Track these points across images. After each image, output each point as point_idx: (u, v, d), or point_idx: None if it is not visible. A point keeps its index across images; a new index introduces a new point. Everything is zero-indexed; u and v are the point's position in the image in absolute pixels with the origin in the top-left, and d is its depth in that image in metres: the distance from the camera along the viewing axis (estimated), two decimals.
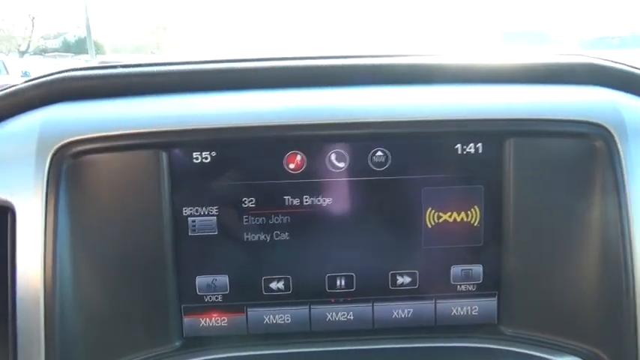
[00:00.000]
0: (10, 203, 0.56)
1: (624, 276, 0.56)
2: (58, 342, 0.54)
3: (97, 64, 0.69)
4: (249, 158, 0.60)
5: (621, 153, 0.57)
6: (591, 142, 0.58)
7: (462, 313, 0.63)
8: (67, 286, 0.56)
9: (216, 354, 0.61)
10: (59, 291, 0.55)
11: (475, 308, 0.63)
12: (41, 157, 0.56)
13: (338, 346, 0.62)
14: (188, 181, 0.60)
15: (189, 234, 0.61)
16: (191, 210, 0.60)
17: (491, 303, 0.63)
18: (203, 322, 0.62)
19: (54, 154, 0.56)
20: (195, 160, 0.60)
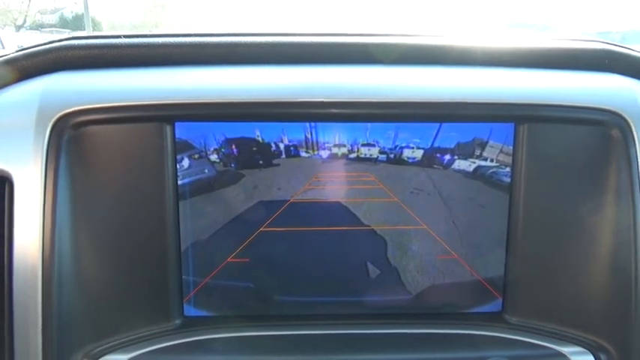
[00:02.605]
0: (7, 173, 0.54)
1: (634, 269, 0.55)
2: (55, 317, 0.53)
3: (99, 34, 0.67)
4: (255, 136, 0.58)
5: (637, 143, 0.55)
6: (607, 130, 0.57)
7: (467, 301, 0.63)
8: (66, 260, 0.54)
9: (216, 334, 0.60)
10: (58, 264, 0.53)
11: (481, 296, 0.63)
12: (41, 127, 0.54)
13: (340, 330, 0.61)
14: (193, 157, 0.58)
15: (193, 212, 0.59)
16: (195, 187, 0.59)
17: (497, 291, 0.62)
18: (204, 301, 0.61)
19: (54, 124, 0.54)
20: (200, 136, 0.58)
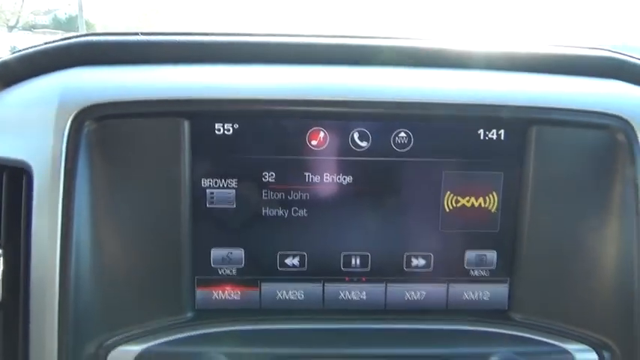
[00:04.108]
0: (26, 164, 0.55)
1: (638, 271, 0.57)
2: (71, 308, 0.54)
3: (116, 32, 0.68)
4: (271, 132, 0.59)
5: None
6: (613, 134, 0.58)
7: (473, 297, 0.64)
8: (84, 251, 0.55)
9: (228, 327, 0.60)
10: (75, 255, 0.54)
11: (486, 294, 0.64)
12: (61, 120, 0.55)
13: (349, 324, 0.62)
14: (209, 153, 0.59)
15: (207, 206, 0.60)
16: (210, 181, 0.60)
17: (502, 289, 0.64)
18: (216, 294, 0.62)
19: (74, 118, 0.55)
20: (217, 132, 0.59)
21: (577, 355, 0.59)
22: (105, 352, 0.56)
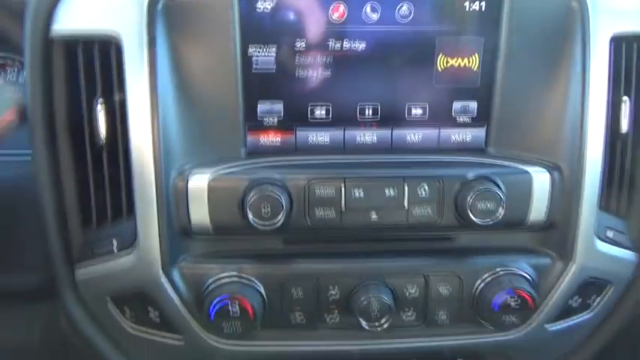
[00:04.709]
0: (116, 33, 0.72)
1: (581, 111, 0.77)
2: (161, 145, 0.73)
3: None
4: (301, 8, 0.75)
5: (590, 13, 0.75)
6: (568, 3, 0.75)
7: (458, 139, 0.83)
8: (167, 103, 0.74)
9: (273, 161, 0.80)
10: (162, 106, 0.73)
11: (469, 136, 0.83)
12: None
13: (364, 158, 0.81)
14: (252, 25, 0.76)
15: (253, 70, 0.77)
16: (254, 49, 0.77)
17: (481, 131, 0.82)
18: (262, 139, 0.81)
19: None
20: (258, 9, 0.75)
21: (534, 175, 0.79)
22: (185, 177, 0.76)
